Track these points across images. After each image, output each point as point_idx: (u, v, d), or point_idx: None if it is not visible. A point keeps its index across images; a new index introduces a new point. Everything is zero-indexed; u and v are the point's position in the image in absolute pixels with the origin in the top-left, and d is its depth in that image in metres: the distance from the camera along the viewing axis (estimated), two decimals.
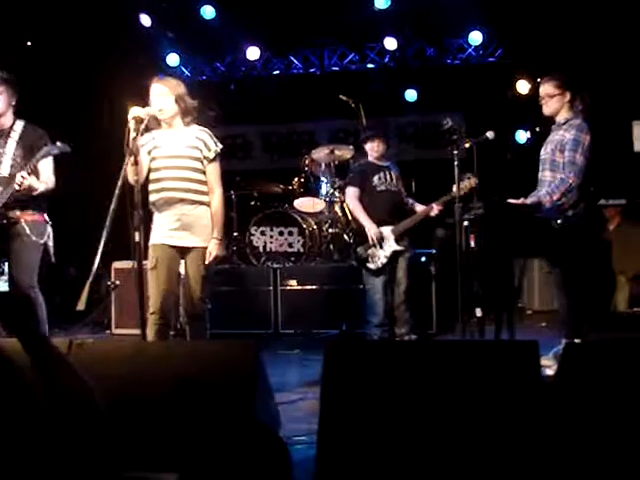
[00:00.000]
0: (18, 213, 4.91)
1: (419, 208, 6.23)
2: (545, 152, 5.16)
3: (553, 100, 5.12)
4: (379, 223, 6.07)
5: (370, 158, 6.30)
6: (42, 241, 4.98)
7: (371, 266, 6.09)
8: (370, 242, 6.04)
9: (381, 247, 6.05)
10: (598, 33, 8.22)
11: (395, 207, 6.21)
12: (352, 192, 6.24)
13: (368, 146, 6.27)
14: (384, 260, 6.05)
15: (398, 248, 6.07)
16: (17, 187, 4.76)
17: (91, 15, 8.44)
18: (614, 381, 2.63)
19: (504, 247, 4.80)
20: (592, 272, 5.21)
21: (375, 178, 6.17)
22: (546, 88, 5.15)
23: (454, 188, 5.36)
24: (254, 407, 2.80)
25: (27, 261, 4.95)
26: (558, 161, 4.99)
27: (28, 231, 4.90)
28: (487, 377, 2.72)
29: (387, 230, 6.07)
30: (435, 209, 6.02)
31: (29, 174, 4.78)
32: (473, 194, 5.38)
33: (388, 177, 6.22)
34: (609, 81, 7.56)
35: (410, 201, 6.37)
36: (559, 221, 4.89)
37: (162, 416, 2.81)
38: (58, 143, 4.91)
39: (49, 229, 5.06)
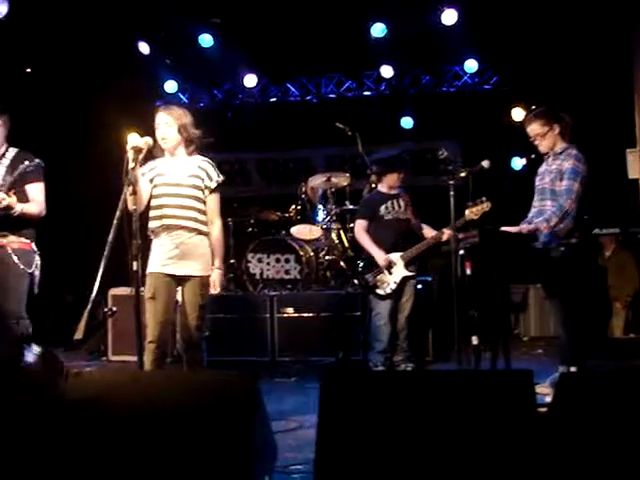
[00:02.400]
0: (4, 240, 4.83)
1: (430, 234, 6.24)
2: (543, 182, 5.17)
3: (545, 138, 5.16)
4: (387, 250, 6.10)
5: (381, 188, 6.33)
6: (30, 270, 4.88)
7: (380, 292, 6.12)
8: (381, 267, 6.07)
9: (390, 273, 6.08)
10: (592, 62, 8.31)
11: (403, 234, 6.24)
12: (359, 225, 6.30)
13: (392, 177, 6.27)
14: (393, 286, 6.09)
15: (408, 274, 6.11)
16: None
17: (90, 42, 8.50)
18: (609, 411, 2.65)
19: (500, 275, 4.83)
20: (588, 299, 5.23)
21: (382, 208, 6.21)
22: (534, 129, 5.19)
23: (467, 212, 5.40)
24: (250, 436, 2.80)
25: (15, 289, 4.85)
26: (558, 190, 5.02)
27: (16, 259, 4.80)
28: (483, 407, 2.73)
29: (396, 256, 6.10)
30: (446, 234, 5.93)
31: (7, 194, 4.73)
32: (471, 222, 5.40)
33: (396, 206, 6.25)
34: (602, 109, 7.63)
35: (423, 226, 6.38)
36: (562, 249, 4.92)
37: (159, 446, 2.81)
38: (36, 160, 4.88)
39: (37, 258, 4.95)
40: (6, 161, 4.95)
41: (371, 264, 6.16)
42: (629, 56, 7.14)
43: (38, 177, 4.97)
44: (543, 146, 5.20)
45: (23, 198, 4.88)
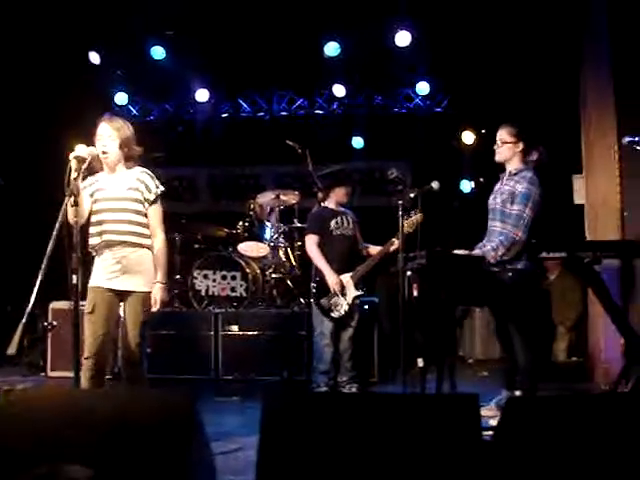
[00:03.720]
0: None
1: (374, 249, 6.24)
2: (495, 202, 5.18)
3: (505, 147, 5.17)
4: (338, 270, 6.06)
5: (328, 204, 6.30)
6: None
7: (334, 315, 6.06)
8: (332, 291, 6.01)
9: (342, 295, 6.03)
10: (540, 89, 8.43)
11: (351, 252, 6.23)
12: (311, 239, 6.21)
13: (340, 191, 6.25)
14: (346, 308, 6.04)
15: (358, 293, 6.08)
16: None
17: (40, 51, 8.36)
18: (556, 437, 2.63)
19: (446, 298, 4.82)
20: (533, 323, 5.25)
21: (332, 222, 6.18)
22: (502, 134, 5.20)
23: (405, 224, 5.40)
24: (189, 458, 2.72)
25: None
26: (508, 212, 5.03)
27: None
28: (427, 431, 2.70)
29: (346, 277, 6.06)
30: (396, 243, 5.87)
31: None
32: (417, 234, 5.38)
33: (345, 222, 6.24)
34: (550, 136, 7.72)
35: (367, 245, 6.38)
36: (509, 274, 4.93)
37: (94, 466, 2.71)
38: None
39: None
40: None
41: (323, 285, 6.09)
42: (576, 85, 7.26)
43: None
44: (500, 154, 5.20)
45: None
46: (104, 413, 2.80)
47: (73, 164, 4.05)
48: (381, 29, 8.61)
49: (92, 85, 9.41)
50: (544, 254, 5.02)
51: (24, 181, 8.73)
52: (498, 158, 5.22)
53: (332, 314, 6.05)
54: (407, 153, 9.58)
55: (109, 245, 4.39)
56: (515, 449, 2.63)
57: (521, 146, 5.15)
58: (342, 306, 6.05)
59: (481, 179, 8.87)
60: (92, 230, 4.45)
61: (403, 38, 8.64)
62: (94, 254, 4.47)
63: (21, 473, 2.64)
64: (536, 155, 5.19)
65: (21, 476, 2.59)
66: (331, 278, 6.03)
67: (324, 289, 6.06)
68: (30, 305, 3.72)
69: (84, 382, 4.22)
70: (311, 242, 6.21)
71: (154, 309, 4.43)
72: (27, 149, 8.92)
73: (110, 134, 4.43)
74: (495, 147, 5.21)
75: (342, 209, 6.31)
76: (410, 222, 5.53)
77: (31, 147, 8.92)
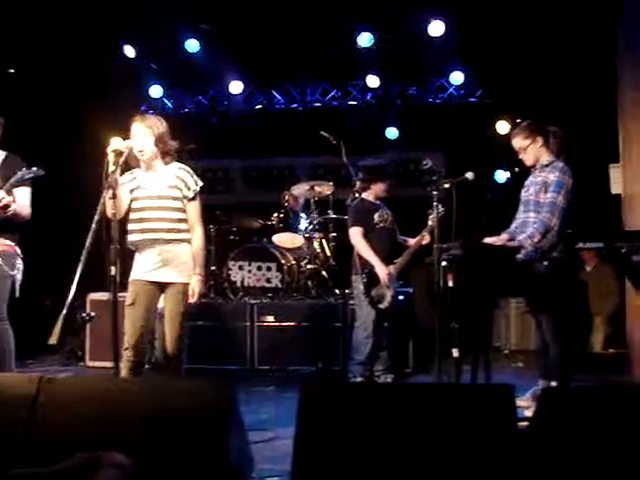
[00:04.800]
0: None
1: (412, 242, 6.27)
2: (528, 193, 5.20)
3: (527, 151, 5.20)
4: (382, 261, 6.07)
5: (367, 196, 6.28)
6: (12, 273, 4.83)
7: (382, 306, 6.07)
8: (382, 283, 6.02)
9: (387, 286, 6.04)
10: (576, 76, 8.34)
11: (393, 245, 6.26)
12: (358, 231, 6.16)
13: (382, 185, 6.26)
14: (390, 299, 6.06)
15: (398, 284, 6.12)
16: None
17: (75, 44, 8.44)
18: (591, 428, 2.62)
19: (482, 288, 4.80)
20: (569, 314, 5.23)
21: (376, 215, 6.18)
22: (517, 142, 5.25)
23: (429, 221, 5.48)
24: (226, 447, 2.76)
25: None
26: (542, 202, 5.03)
27: (0, 261, 4.80)
28: (463, 421, 2.71)
29: (391, 268, 6.08)
30: (427, 237, 6.05)
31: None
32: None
33: (385, 215, 6.24)
34: (586, 124, 7.65)
35: (404, 239, 6.39)
36: (545, 263, 4.91)
37: (132, 455, 2.76)
38: (33, 168, 4.83)
39: (20, 261, 4.93)
40: None
41: (373, 277, 6.06)
42: (613, 71, 7.17)
43: (28, 182, 4.93)
44: (527, 159, 5.25)
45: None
46: (144, 403, 2.86)
47: (111, 157, 4.10)
48: (414, 19, 8.57)
49: (127, 78, 9.49)
50: (581, 244, 4.98)
51: (60, 174, 8.82)
52: (528, 163, 5.28)
53: (380, 305, 6.06)
54: (441, 143, 9.53)
55: (151, 242, 4.46)
56: (550, 439, 2.63)
57: (540, 140, 5.16)
58: (387, 297, 6.06)
59: (516, 169, 8.81)
60: (132, 227, 4.51)
61: (437, 28, 8.58)
62: (134, 249, 4.53)
63: (62, 461, 2.69)
64: (553, 138, 5.19)
65: (62, 464, 2.65)
66: (382, 270, 6.03)
67: (374, 281, 6.07)
68: (70, 297, 3.79)
69: (124, 372, 4.30)
70: (358, 234, 6.15)
71: (191, 301, 4.49)
72: (63, 142, 9.02)
73: (144, 132, 4.47)
74: (520, 155, 5.24)
75: (379, 202, 6.31)
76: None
77: (67, 140, 9.02)
